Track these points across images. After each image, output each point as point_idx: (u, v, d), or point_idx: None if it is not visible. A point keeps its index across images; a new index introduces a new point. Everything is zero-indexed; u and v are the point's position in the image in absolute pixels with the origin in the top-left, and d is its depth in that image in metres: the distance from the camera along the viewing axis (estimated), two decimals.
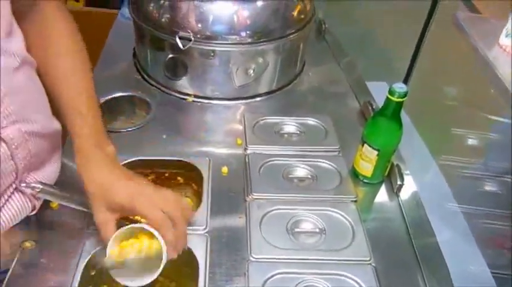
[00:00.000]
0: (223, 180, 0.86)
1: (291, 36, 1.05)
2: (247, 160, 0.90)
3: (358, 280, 0.67)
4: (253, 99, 1.10)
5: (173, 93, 1.09)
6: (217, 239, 0.74)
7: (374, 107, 1.01)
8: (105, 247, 0.64)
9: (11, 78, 0.56)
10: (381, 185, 0.87)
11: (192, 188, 0.91)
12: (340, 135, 0.96)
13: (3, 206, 0.60)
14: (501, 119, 0.89)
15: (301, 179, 0.86)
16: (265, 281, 0.67)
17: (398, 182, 0.83)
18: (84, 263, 0.68)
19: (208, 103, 1.08)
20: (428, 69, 1.07)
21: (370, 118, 0.84)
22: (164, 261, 0.63)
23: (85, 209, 0.72)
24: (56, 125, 0.69)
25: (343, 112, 1.07)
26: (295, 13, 1.06)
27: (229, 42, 0.99)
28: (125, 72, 1.16)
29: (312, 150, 0.92)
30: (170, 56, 1.03)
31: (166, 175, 0.90)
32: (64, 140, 0.80)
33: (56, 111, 0.68)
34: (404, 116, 0.78)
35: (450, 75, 1.01)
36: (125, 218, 0.68)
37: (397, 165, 0.85)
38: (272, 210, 0.79)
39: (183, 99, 1.08)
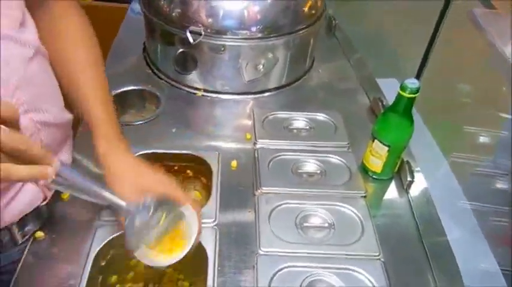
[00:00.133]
0: (232, 174, 0.86)
1: (301, 31, 1.05)
2: (256, 154, 0.90)
3: (367, 275, 0.67)
4: (262, 95, 1.10)
5: (183, 87, 1.09)
6: (226, 232, 0.74)
7: (384, 103, 1.00)
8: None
9: (24, 68, 0.56)
10: (390, 181, 0.87)
11: (201, 182, 0.91)
12: (350, 132, 0.96)
13: (16, 195, 0.61)
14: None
15: (310, 174, 0.86)
16: (274, 275, 0.67)
17: (409, 179, 0.83)
18: (95, 254, 0.69)
19: (217, 97, 1.08)
20: (440, 66, 1.06)
21: (381, 114, 0.83)
22: (195, 235, 0.63)
23: (96, 200, 0.73)
24: (67, 115, 0.70)
25: (353, 108, 1.07)
26: (305, 9, 1.06)
27: (240, 37, 0.99)
28: (135, 66, 1.17)
29: (321, 145, 0.92)
30: (180, 50, 1.04)
31: (176, 168, 0.91)
32: (75, 132, 0.81)
33: (69, 103, 0.69)
34: (414, 113, 0.78)
35: (462, 73, 1.00)
36: None
37: (407, 162, 0.85)
38: (281, 204, 0.79)
39: (193, 93, 1.08)
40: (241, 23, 0.99)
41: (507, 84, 0.81)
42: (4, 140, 0.42)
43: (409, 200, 0.82)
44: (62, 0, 0.67)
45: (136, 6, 1.35)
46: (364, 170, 0.87)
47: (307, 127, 0.98)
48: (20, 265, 0.67)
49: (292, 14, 1.03)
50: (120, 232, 0.72)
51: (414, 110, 0.78)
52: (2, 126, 0.42)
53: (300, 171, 0.87)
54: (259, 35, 1.00)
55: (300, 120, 1.00)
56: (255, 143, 0.93)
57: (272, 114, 1.01)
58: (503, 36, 0.79)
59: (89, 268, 0.67)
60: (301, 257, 0.70)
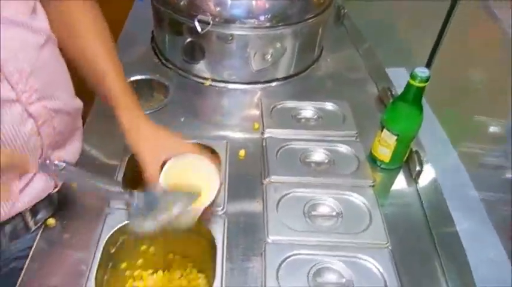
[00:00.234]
0: (241, 163, 0.87)
1: (310, 20, 1.05)
2: (264, 143, 0.90)
3: (375, 263, 0.68)
4: (270, 84, 1.10)
5: (191, 77, 1.09)
6: (235, 220, 0.75)
7: (393, 93, 1.00)
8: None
9: (37, 55, 0.57)
10: (398, 171, 0.86)
11: None
12: (358, 121, 0.96)
13: (28, 183, 0.61)
14: None
15: (318, 164, 0.86)
16: (282, 262, 0.68)
17: (417, 168, 0.82)
18: (105, 240, 0.70)
19: (225, 87, 1.08)
20: (450, 55, 1.05)
21: (390, 103, 0.83)
22: (216, 188, 0.66)
23: (105, 188, 0.74)
24: (78, 103, 0.70)
25: (362, 98, 1.06)
26: None
27: (248, 26, 0.99)
28: (143, 56, 1.17)
29: (329, 135, 0.92)
30: (188, 39, 1.04)
31: None
32: (83, 123, 0.82)
33: (82, 89, 0.70)
34: (423, 103, 0.77)
35: (473, 62, 0.99)
36: None
37: (416, 151, 0.85)
38: (289, 193, 0.79)
39: (201, 83, 1.08)
40: (250, 11, 0.98)
41: None
42: None
43: (418, 190, 0.82)
44: None
45: None
46: (373, 159, 0.87)
47: (315, 117, 0.98)
48: (31, 251, 0.69)
49: (301, 2, 1.03)
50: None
51: (423, 100, 0.77)
52: None
53: (308, 160, 0.87)
54: (268, 24, 0.99)
55: (308, 110, 0.99)
56: (262, 133, 0.93)
57: (280, 104, 1.01)
58: None
59: (99, 255, 0.68)
60: (309, 245, 0.70)
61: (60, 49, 0.65)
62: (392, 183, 0.85)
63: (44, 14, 0.60)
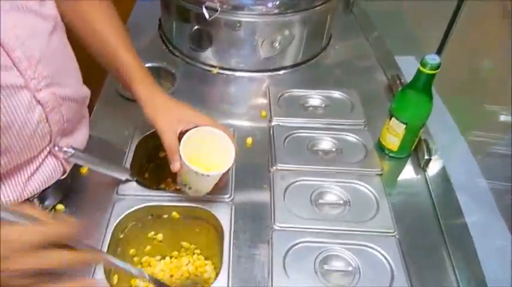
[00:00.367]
0: (248, 151, 0.87)
1: (318, 7, 1.03)
2: (271, 131, 0.90)
3: (382, 251, 0.67)
4: (278, 72, 1.09)
5: (198, 64, 1.09)
6: (242, 208, 0.75)
7: (402, 81, 0.98)
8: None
9: (46, 42, 0.57)
10: (407, 159, 0.86)
11: None
12: (367, 110, 0.95)
13: (37, 169, 0.62)
14: None
15: (326, 152, 0.86)
16: (289, 249, 0.68)
17: (426, 157, 0.82)
18: (113, 227, 0.71)
19: (233, 75, 1.07)
20: (460, 43, 1.03)
21: (399, 91, 0.82)
22: (233, 157, 0.69)
23: (114, 175, 0.75)
24: (85, 91, 0.71)
25: (370, 86, 1.05)
26: None
27: (256, 12, 0.98)
28: (150, 43, 1.17)
29: (337, 123, 0.91)
30: (196, 27, 1.03)
31: None
32: (90, 111, 0.82)
33: (87, 78, 0.70)
34: (433, 92, 0.76)
35: (484, 49, 0.97)
36: None
37: (425, 140, 0.84)
38: (296, 181, 0.79)
39: (208, 70, 1.08)
40: None
41: None
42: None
43: (426, 178, 0.82)
44: None
45: None
46: (381, 148, 0.86)
47: (323, 105, 0.97)
48: None
49: None
50: (137, 206, 0.73)
51: (432, 88, 0.76)
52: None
53: (315, 148, 0.86)
54: (276, 10, 0.98)
55: (315, 98, 0.99)
56: (270, 121, 0.92)
57: (288, 92, 1.00)
58: None
59: (107, 241, 0.69)
60: (316, 233, 0.70)
61: (72, 35, 0.66)
62: (400, 172, 0.84)
63: (53, 2, 0.60)
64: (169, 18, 1.11)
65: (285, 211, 0.74)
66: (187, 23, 1.04)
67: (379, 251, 0.68)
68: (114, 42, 0.72)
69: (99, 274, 0.64)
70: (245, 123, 0.94)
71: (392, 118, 0.81)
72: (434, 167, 0.83)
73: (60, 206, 0.73)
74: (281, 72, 1.09)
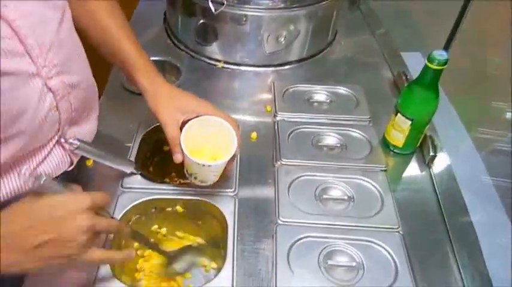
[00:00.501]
0: (252, 146, 0.87)
1: (324, 3, 1.03)
2: (276, 126, 0.89)
3: (386, 247, 0.67)
4: (283, 67, 1.09)
5: (203, 58, 1.09)
6: (246, 202, 0.75)
7: (408, 77, 0.98)
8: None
9: (56, 30, 0.57)
10: (411, 156, 0.86)
11: None
12: (372, 106, 0.95)
13: (45, 158, 0.62)
14: None
15: (330, 147, 0.86)
16: (293, 244, 0.68)
17: (431, 153, 0.81)
18: (118, 220, 0.71)
19: (238, 69, 1.07)
20: (466, 40, 1.03)
21: (405, 87, 0.82)
22: (235, 145, 0.68)
23: (118, 168, 0.75)
24: (93, 81, 0.71)
25: (376, 82, 1.05)
26: None
27: (262, 7, 0.97)
28: (155, 37, 1.17)
29: (342, 119, 0.91)
30: (201, 21, 1.03)
31: None
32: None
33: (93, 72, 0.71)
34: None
35: (490, 47, 0.97)
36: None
37: (430, 136, 0.84)
38: (301, 176, 0.79)
39: (213, 65, 1.08)
40: None
41: None
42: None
43: (431, 175, 0.81)
44: None
45: None
46: (386, 144, 0.86)
47: (328, 100, 0.97)
48: None
49: None
50: (141, 200, 0.73)
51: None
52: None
53: (320, 144, 0.86)
54: (282, 5, 0.98)
55: (320, 94, 0.99)
56: (275, 116, 0.92)
57: (293, 87, 1.00)
58: None
59: (112, 234, 0.69)
60: (320, 228, 0.70)
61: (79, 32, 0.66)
62: (405, 168, 0.84)
63: None
64: (174, 11, 1.10)
65: (289, 206, 0.74)
66: (193, 17, 1.04)
67: (383, 247, 0.68)
68: (119, 36, 0.73)
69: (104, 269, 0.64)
70: (250, 118, 0.94)
71: (398, 114, 0.80)
72: (439, 164, 0.82)
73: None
74: (286, 67, 1.09)
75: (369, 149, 0.85)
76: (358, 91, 0.99)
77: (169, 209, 0.76)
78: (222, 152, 0.70)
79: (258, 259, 0.67)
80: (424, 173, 0.82)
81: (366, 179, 0.79)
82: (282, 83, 1.01)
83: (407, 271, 0.65)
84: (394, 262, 0.66)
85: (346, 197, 0.76)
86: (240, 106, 0.98)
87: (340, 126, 0.90)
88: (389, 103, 0.90)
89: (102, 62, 0.77)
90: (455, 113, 0.96)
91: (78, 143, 0.65)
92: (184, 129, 0.69)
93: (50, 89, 0.57)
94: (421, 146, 0.85)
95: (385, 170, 0.81)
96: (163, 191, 0.76)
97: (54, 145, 0.63)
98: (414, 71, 0.77)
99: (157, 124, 0.86)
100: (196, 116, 0.71)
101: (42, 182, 0.49)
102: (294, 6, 0.99)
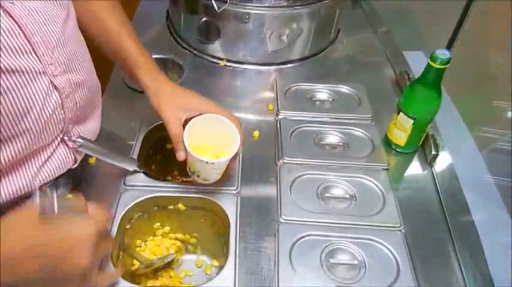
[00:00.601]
0: (254, 144, 0.87)
1: (327, 1, 1.03)
2: (278, 125, 0.90)
3: (388, 245, 0.68)
4: (285, 66, 1.09)
5: (206, 56, 1.09)
6: (248, 200, 0.75)
7: (410, 76, 0.98)
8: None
9: (61, 28, 0.57)
10: (413, 155, 0.86)
11: None
12: (374, 105, 0.95)
13: (50, 157, 0.62)
14: None
15: (332, 146, 0.86)
16: (295, 242, 0.68)
17: (433, 152, 0.81)
18: (120, 217, 0.71)
19: (240, 68, 1.07)
20: (469, 40, 1.03)
21: (407, 86, 0.82)
22: (238, 143, 0.69)
23: (121, 165, 0.75)
24: (97, 80, 0.71)
25: (378, 81, 1.05)
26: None
27: (265, 5, 0.97)
28: (157, 35, 1.17)
29: (344, 117, 0.91)
30: (204, 19, 1.03)
31: None
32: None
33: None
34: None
35: (492, 46, 0.97)
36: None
37: (432, 135, 0.84)
38: (303, 175, 0.79)
39: (216, 63, 1.08)
40: None
41: None
42: None
43: (433, 174, 0.81)
44: None
45: None
46: (388, 143, 0.86)
47: (330, 99, 0.97)
48: None
49: None
50: (143, 197, 0.74)
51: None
52: None
53: (322, 142, 0.86)
54: (285, 3, 0.98)
55: (323, 92, 0.99)
56: (277, 114, 0.92)
57: (295, 86, 1.00)
58: None
59: (114, 231, 0.69)
60: (322, 226, 0.71)
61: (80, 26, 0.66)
62: (407, 167, 0.84)
63: None
64: (177, 9, 1.10)
65: (292, 204, 0.74)
66: (196, 15, 1.04)
67: (384, 246, 0.68)
68: (121, 34, 0.73)
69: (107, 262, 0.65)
70: (252, 116, 0.94)
71: (400, 113, 0.81)
72: (441, 163, 0.82)
73: (68, 196, 0.73)
74: (288, 65, 1.09)
75: (371, 148, 0.85)
76: (361, 90, 0.99)
77: (172, 207, 0.76)
78: (224, 150, 0.70)
79: (260, 257, 0.67)
80: (426, 172, 0.83)
81: (368, 177, 0.79)
82: (284, 81, 1.01)
83: (409, 269, 0.65)
84: (396, 260, 0.66)
85: (348, 196, 0.76)
86: (242, 104, 0.98)
87: (342, 125, 0.90)
88: (392, 102, 0.90)
89: (104, 60, 0.78)
90: (457, 113, 0.96)
91: (82, 141, 0.65)
92: (187, 127, 0.69)
93: (55, 87, 0.57)
94: (423, 145, 0.85)
95: (387, 169, 0.81)
96: (166, 189, 0.76)
97: (58, 143, 0.63)
98: (416, 70, 0.77)
99: (160, 122, 0.87)
100: (199, 114, 0.71)
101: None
102: (297, 4, 0.99)
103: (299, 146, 0.85)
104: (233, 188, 0.76)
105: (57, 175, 0.65)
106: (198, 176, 0.71)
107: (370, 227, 0.70)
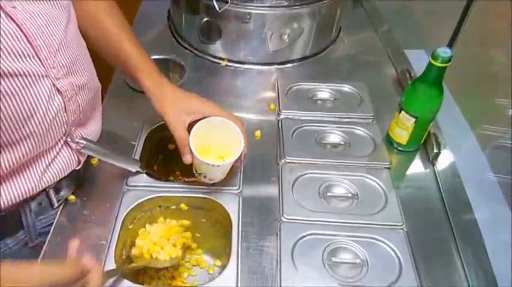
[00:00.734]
0: (256, 144, 0.87)
1: (328, 0, 1.03)
2: (280, 124, 0.90)
3: (390, 244, 0.68)
4: (286, 65, 1.09)
5: (207, 57, 1.09)
6: (250, 200, 0.75)
7: (412, 75, 0.98)
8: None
9: (63, 31, 0.58)
10: (415, 153, 0.86)
11: None
12: (376, 103, 0.95)
13: (54, 159, 0.63)
14: None
15: (334, 145, 0.86)
16: (297, 241, 0.68)
17: (435, 150, 0.81)
18: (123, 217, 0.71)
19: (241, 68, 1.07)
20: (470, 37, 1.02)
21: (409, 84, 0.82)
22: (242, 145, 0.70)
23: (123, 166, 0.75)
24: (98, 82, 0.71)
25: (379, 80, 1.05)
26: None
27: (266, 4, 0.97)
28: (159, 35, 1.17)
29: (346, 117, 0.91)
30: (205, 19, 1.03)
31: None
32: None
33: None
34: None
35: (494, 44, 0.96)
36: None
37: (434, 133, 0.84)
38: (304, 174, 0.79)
39: (217, 63, 1.08)
40: None
41: None
42: None
43: (435, 172, 0.81)
44: None
45: None
46: (389, 141, 0.86)
47: (332, 98, 0.97)
48: (53, 226, 0.71)
49: None
50: (145, 198, 0.74)
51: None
52: None
53: (324, 142, 0.86)
54: (285, 3, 0.98)
55: (324, 92, 0.99)
56: (279, 114, 0.93)
57: (296, 85, 1.00)
58: None
59: (117, 232, 0.69)
60: (324, 225, 0.71)
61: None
62: (408, 165, 0.84)
63: None
64: (178, 10, 1.11)
65: (293, 203, 0.74)
66: (197, 15, 1.04)
67: (387, 244, 0.68)
68: (120, 37, 0.73)
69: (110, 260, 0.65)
70: (253, 116, 0.94)
71: (402, 111, 0.81)
72: (443, 161, 0.82)
73: (71, 197, 0.74)
74: (290, 65, 1.09)
75: (373, 146, 0.85)
76: (362, 89, 0.99)
77: (174, 207, 0.76)
78: (229, 151, 0.71)
79: (262, 257, 0.67)
80: (428, 170, 0.83)
81: (369, 176, 0.79)
82: (285, 81, 1.02)
83: (411, 268, 0.65)
84: (398, 258, 0.66)
85: (350, 195, 0.76)
86: (244, 104, 0.98)
87: (344, 124, 0.90)
88: (393, 101, 0.90)
89: (105, 61, 0.78)
90: (459, 111, 0.96)
91: (85, 143, 0.65)
92: (192, 131, 0.70)
93: (58, 91, 0.57)
94: (424, 143, 0.85)
95: (389, 168, 0.81)
96: (168, 189, 0.76)
97: (62, 146, 0.63)
98: (418, 69, 0.77)
99: (162, 122, 0.86)
100: (202, 117, 0.71)
101: None
102: (298, 4, 0.99)
103: (301, 146, 0.85)
104: (235, 187, 0.76)
105: (61, 177, 0.65)
106: (205, 177, 0.72)
107: (372, 226, 0.71)
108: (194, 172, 0.73)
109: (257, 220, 0.72)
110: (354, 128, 0.89)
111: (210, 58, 1.09)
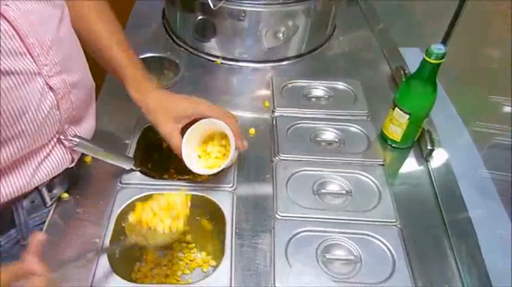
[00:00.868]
0: (250, 141, 0.86)
1: None
2: (274, 122, 0.90)
3: (383, 240, 0.68)
4: (281, 63, 1.09)
5: (202, 55, 1.09)
6: (244, 197, 0.75)
7: (406, 72, 0.98)
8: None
9: (56, 28, 0.57)
10: (409, 150, 0.86)
11: None
12: (370, 101, 0.95)
13: (46, 157, 0.63)
14: None
15: (328, 142, 0.86)
16: (291, 238, 0.68)
17: (429, 148, 0.81)
18: (116, 216, 0.71)
19: (236, 65, 1.07)
20: (465, 32, 1.02)
21: (403, 81, 0.82)
22: (234, 148, 0.71)
23: (117, 164, 0.75)
24: (92, 80, 0.71)
25: (374, 77, 1.05)
26: None
27: (260, 2, 0.97)
28: (154, 34, 1.17)
29: (340, 114, 0.91)
30: (200, 17, 1.03)
31: None
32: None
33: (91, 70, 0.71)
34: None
35: (490, 40, 0.97)
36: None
37: (428, 130, 0.84)
38: (299, 171, 0.79)
39: (212, 61, 1.08)
40: None
41: None
42: None
43: (429, 169, 0.82)
44: None
45: None
46: (383, 138, 0.86)
47: (326, 96, 0.97)
48: (46, 224, 0.70)
49: None
50: (139, 195, 0.74)
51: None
52: None
53: (318, 139, 0.87)
54: (280, 0, 0.98)
55: (319, 89, 0.99)
56: (273, 111, 0.92)
57: (291, 83, 1.00)
58: None
59: (111, 230, 0.69)
60: (318, 222, 0.71)
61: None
62: (402, 162, 0.84)
63: None
64: (173, 8, 1.10)
65: (287, 200, 0.74)
66: (192, 13, 1.04)
67: (380, 241, 0.68)
68: (111, 42, 0.73)
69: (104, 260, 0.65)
70: (248, 113, 0.94)
71: (396, 108, 0.81)
72: (437, 158, 0.83)
73: (64, 195, 0.73)
74: (285, 62, 1.09)
75: (367, 143, 0.85)
76: (357, 86, 0.99)
77: None
78: (224, 149, 0.75)
79: (256, 254, 0.67)
80: (422, 167, 0.83)
81: (363, 173, 0.79)
82: (280, 78, 1.01)
83: (405, 264, 0.65)
84: (392, 255, 0.66)
85: (344, 192, 0.76)
86: (239, 102, 0.98)
87: (338, 121, 0.90)
88: (388, 98, 0.90)
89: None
90: (453, 107, 0.96)
91: (78, 141, 0.65)
92: (183, 142, 0.72)
93: (51, 88, 0.57)
94: (418, 140, 0.86)
95: (383, 165, 0.81)
96: (162, 186, 0.76)
97: (55, 144, 0.63)
98: (413, 67, 0.77)
99: None
100: (195, 119, 0.73)
101: None
102: (292, 1, 0.99)
103: (295, 143, 0.85)
104: (229, 185, 0.76)
105: (54, 175, 0.65)
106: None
107: (366, 223, 0.71)
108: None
109: (251, 217, 0.72)
110: (348, 126, 0.89)
111: (204, 56, 1.09)
